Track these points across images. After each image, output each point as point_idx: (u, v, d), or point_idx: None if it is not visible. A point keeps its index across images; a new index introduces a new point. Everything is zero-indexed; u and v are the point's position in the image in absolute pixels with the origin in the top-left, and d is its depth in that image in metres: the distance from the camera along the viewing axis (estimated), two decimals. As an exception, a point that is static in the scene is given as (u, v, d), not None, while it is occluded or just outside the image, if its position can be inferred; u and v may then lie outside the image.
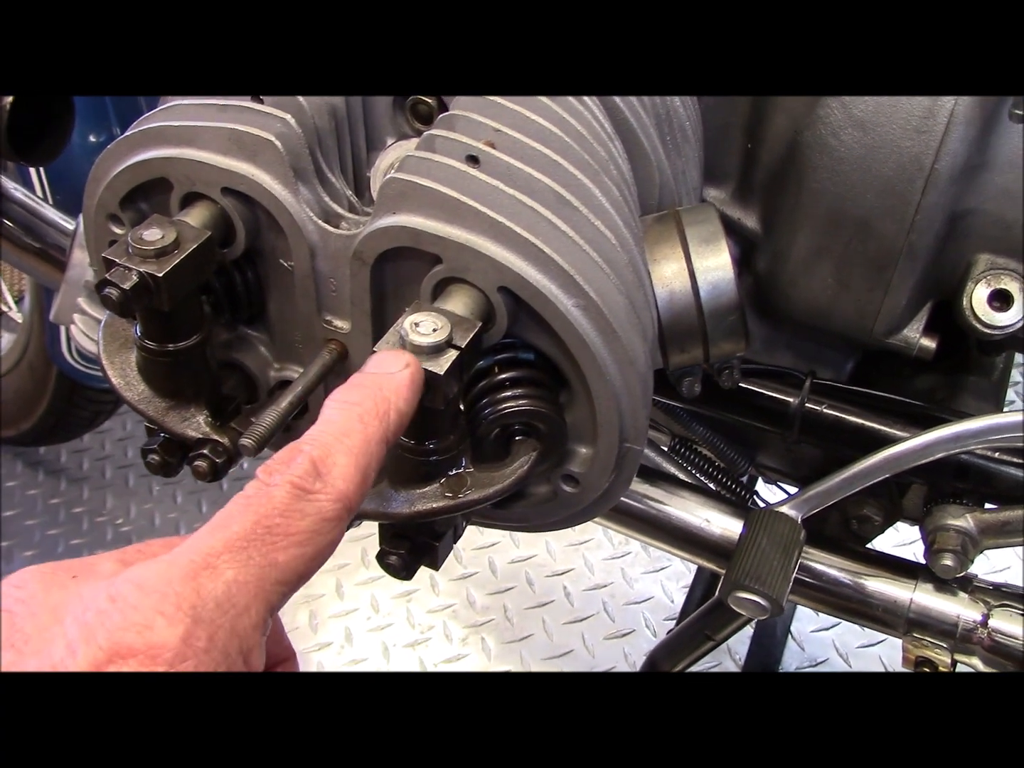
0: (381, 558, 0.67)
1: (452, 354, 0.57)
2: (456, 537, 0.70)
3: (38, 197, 1.28)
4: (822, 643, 1.78)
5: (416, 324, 0.58)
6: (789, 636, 1.77)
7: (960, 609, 0.94)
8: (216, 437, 0.69)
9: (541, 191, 0.62)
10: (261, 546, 0.45)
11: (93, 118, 1.50)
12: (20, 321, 2.02)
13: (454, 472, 0.64)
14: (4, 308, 2.12)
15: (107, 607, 0.43)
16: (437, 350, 0.57)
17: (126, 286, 0.61)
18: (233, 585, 0.44)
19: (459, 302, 0.61)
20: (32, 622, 0.45)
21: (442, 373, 0.55)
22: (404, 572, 0.67)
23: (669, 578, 1.92)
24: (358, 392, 0.52)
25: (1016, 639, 0.92)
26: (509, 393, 0.64)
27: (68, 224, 1.19)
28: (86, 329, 1.12)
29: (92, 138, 1.51)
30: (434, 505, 0.63)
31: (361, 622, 1.89)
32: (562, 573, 1.95)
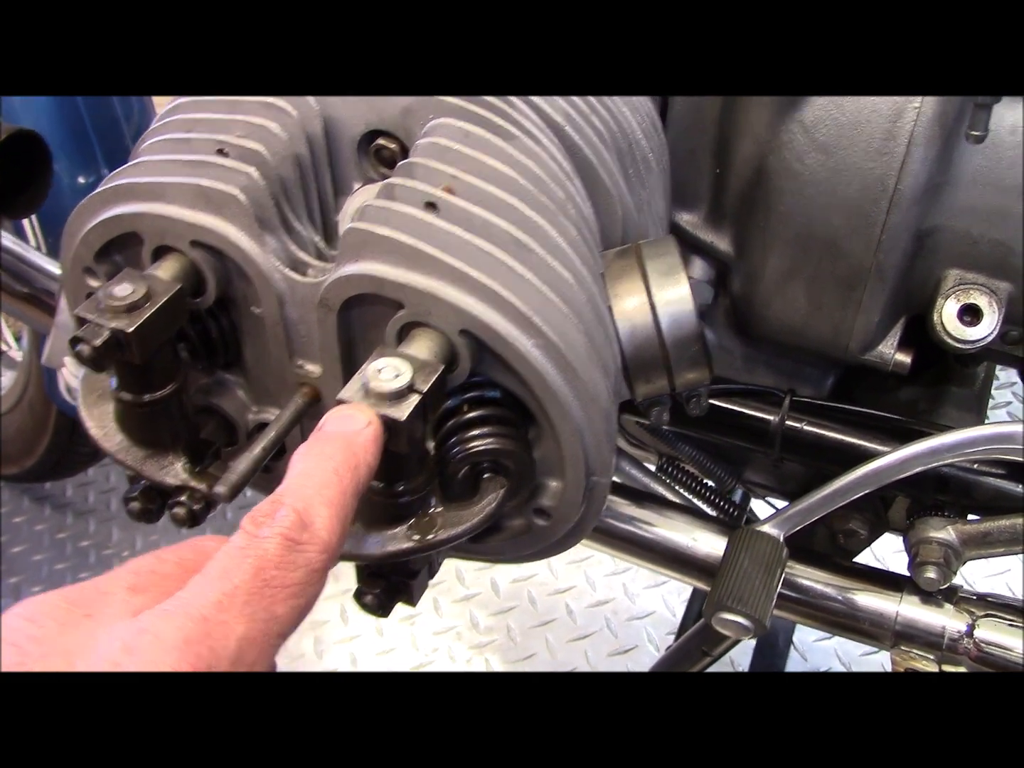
0: (358, 597, 0.69)
1: (414, 399, 0.58)
2: (432, 573, 0.71)
3: (30, 241, 1.30)
4: (824, 652, 1.79)
5: (379, 371, 0.59)
6: (792, 647, 1.77)
7: (946, 620, 0.94)
8: (194, 484, 0.70)
9: (498, 235, 0.64)
10: (262, 600, 0.46)
11: (81, 160, 1.52)
12: (20, 359, 2.04)
13: (424, 512, 0.65)
14: (4, 347, 2.14)
15: (123, 660, 0.43)
16: (399, 396, 0.58)
17: (97, 343, 0.62)
18: (243, 642, 0.45)
19: (423, 345, 0.62)
20: (44, 665, 0.44)
21: (403, 419, 0.57)
22: (380, 610, 0.68)
23: (671, 592, 1.93)
24: (329, 446, 0.53)
25: (1002, 648, 0.93)
26: (476, 432, 0.65)
27: (56, 269, 1.21)
28: (76, 372, 1.14)
29: (81, 179, 1.53)
30: (404, 546, 0.64)
31: (366, 647, 1.90)
32: (564, 591, 1.96)
